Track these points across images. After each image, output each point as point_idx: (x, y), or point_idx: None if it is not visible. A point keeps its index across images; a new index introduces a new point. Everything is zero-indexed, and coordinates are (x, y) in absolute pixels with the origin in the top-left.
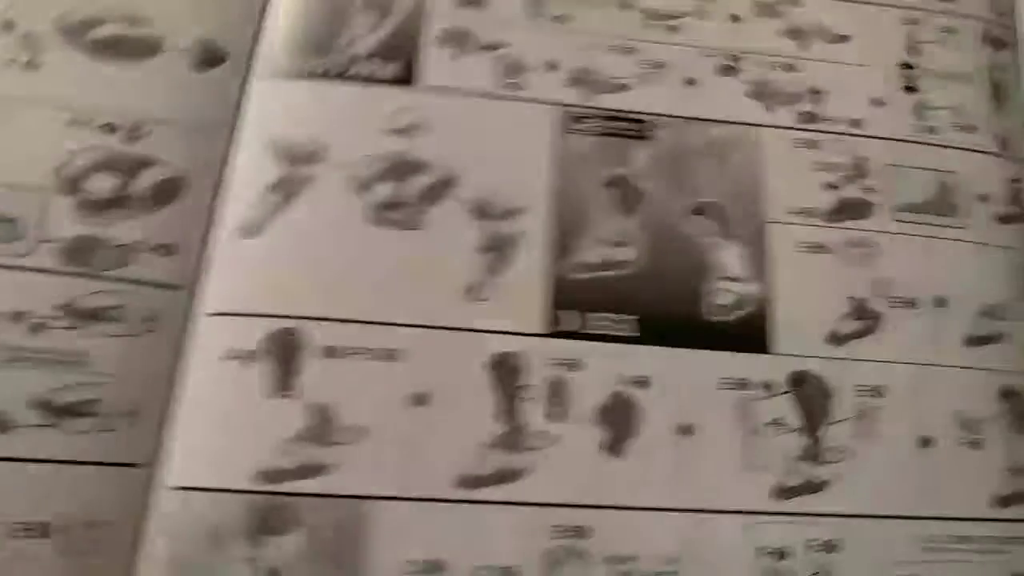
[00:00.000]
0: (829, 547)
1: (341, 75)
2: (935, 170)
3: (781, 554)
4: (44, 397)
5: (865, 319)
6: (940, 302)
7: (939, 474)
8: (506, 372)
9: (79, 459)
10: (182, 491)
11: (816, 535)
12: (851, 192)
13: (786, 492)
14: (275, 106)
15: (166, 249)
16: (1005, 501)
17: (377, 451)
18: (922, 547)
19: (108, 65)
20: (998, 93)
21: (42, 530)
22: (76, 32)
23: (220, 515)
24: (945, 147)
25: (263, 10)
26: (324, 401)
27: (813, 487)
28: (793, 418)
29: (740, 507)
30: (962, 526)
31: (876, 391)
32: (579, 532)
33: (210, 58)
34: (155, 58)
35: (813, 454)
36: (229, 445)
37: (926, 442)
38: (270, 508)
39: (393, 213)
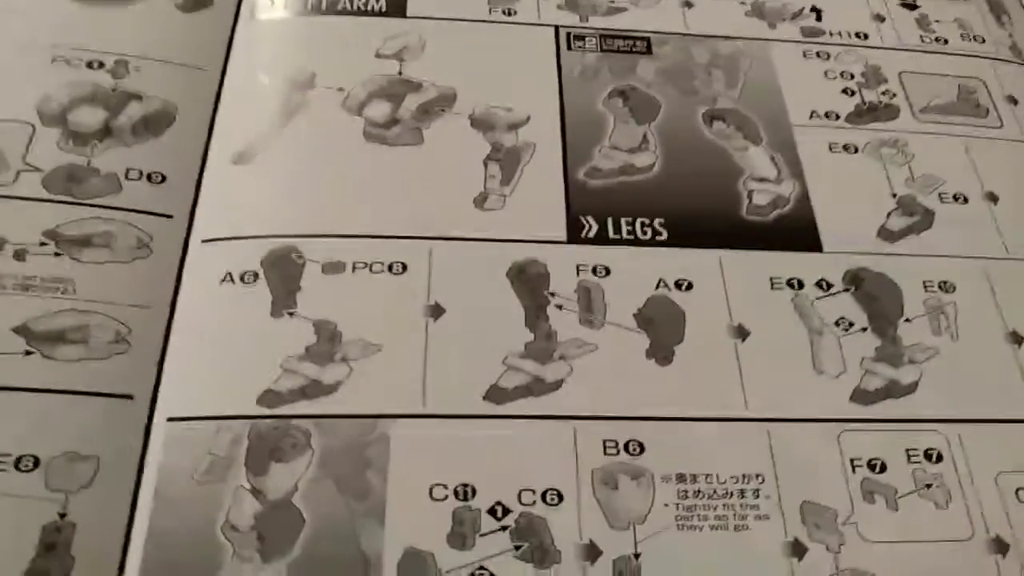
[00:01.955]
0: (931, 456)
1: (330, 10)
2: (954, 76)
3: (881, 465)
4: (28, 324)
5: (916, 215)
6: (991, 197)
7: None
8: (530, 279)
9: (68, 388)
10: (181, 421)
11: (915, 443)
12: (871, 96)
13: (869, 396)
14: (266, 42)
15: (156, 178)
16: None
17: (391, 366)
18: None
19: (92, 7)
20: (996, 9)
21: (31, 463)
22: None
23: (221, 444)
24: (960, 55)
25: None
26: (330, 317)
27: (900, 390)
28: (860, 317)
29: (822, 415)
30: None
31: (947, 286)
32: (633, 448)
33: (197, 1)
34: (140, 2)
35: (891, 354)
36: (230, 370)
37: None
38: (275, 433)
39: (391, 130)
